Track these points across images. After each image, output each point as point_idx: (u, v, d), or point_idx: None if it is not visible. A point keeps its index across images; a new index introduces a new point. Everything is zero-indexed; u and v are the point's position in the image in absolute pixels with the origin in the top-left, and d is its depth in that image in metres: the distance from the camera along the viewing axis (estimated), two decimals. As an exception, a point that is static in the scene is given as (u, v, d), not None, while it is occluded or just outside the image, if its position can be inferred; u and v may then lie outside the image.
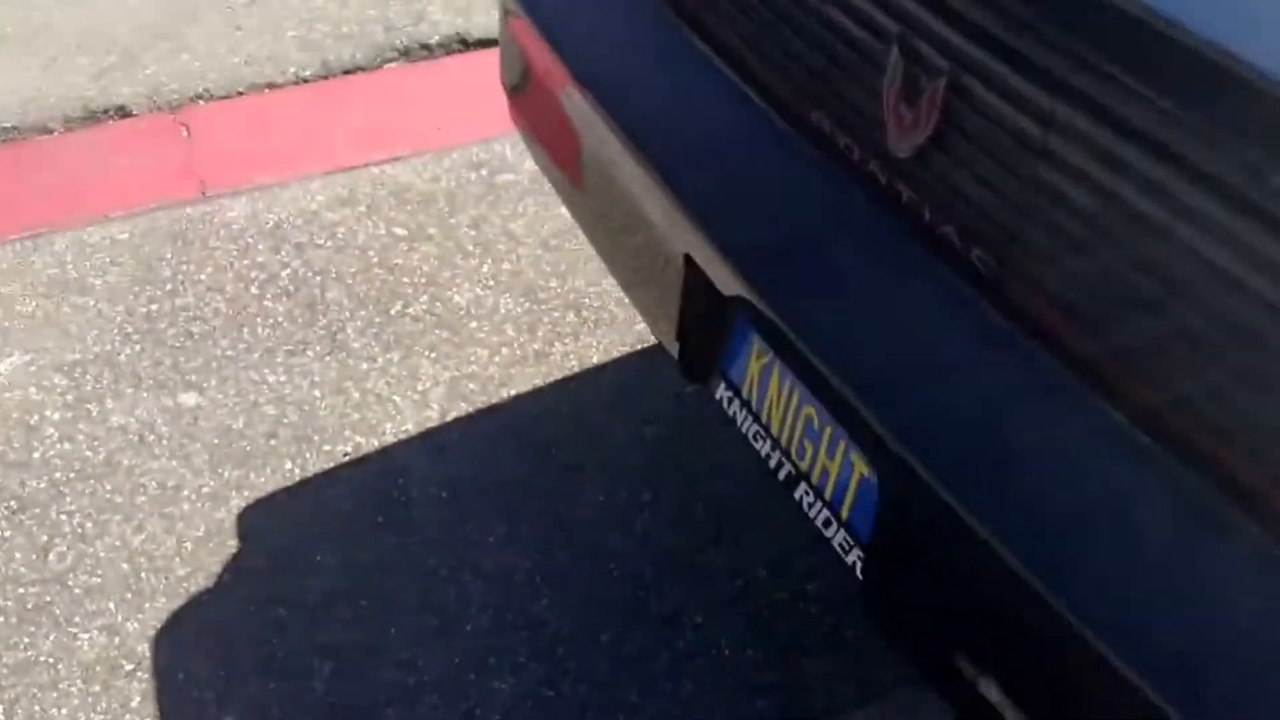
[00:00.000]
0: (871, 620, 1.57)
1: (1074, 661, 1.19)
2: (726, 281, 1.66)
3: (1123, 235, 1.23)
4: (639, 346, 2.85)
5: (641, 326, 2.87)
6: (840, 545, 1.58)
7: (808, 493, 1.65)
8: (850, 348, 1.50)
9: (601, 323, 2.94)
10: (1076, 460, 1.28)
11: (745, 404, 1.75)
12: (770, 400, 1.70)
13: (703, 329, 1.79)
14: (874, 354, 1.47)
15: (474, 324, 2.96)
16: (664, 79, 1.89)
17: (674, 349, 1.89)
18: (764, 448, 1.72)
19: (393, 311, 3.00)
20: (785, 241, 1.62)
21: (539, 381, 2.79)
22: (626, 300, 2.68)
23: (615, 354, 2.84)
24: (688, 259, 1.75)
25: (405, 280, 3.10)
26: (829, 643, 2.27)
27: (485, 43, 3.91)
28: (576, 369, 2.82)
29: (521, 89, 2.27)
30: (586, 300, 3.01)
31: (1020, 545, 1.24)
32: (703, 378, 1.84)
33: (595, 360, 2.84)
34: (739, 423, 1.76)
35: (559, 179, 2.22)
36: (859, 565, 1.54)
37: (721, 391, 1.80)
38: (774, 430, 1.69)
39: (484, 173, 3.45)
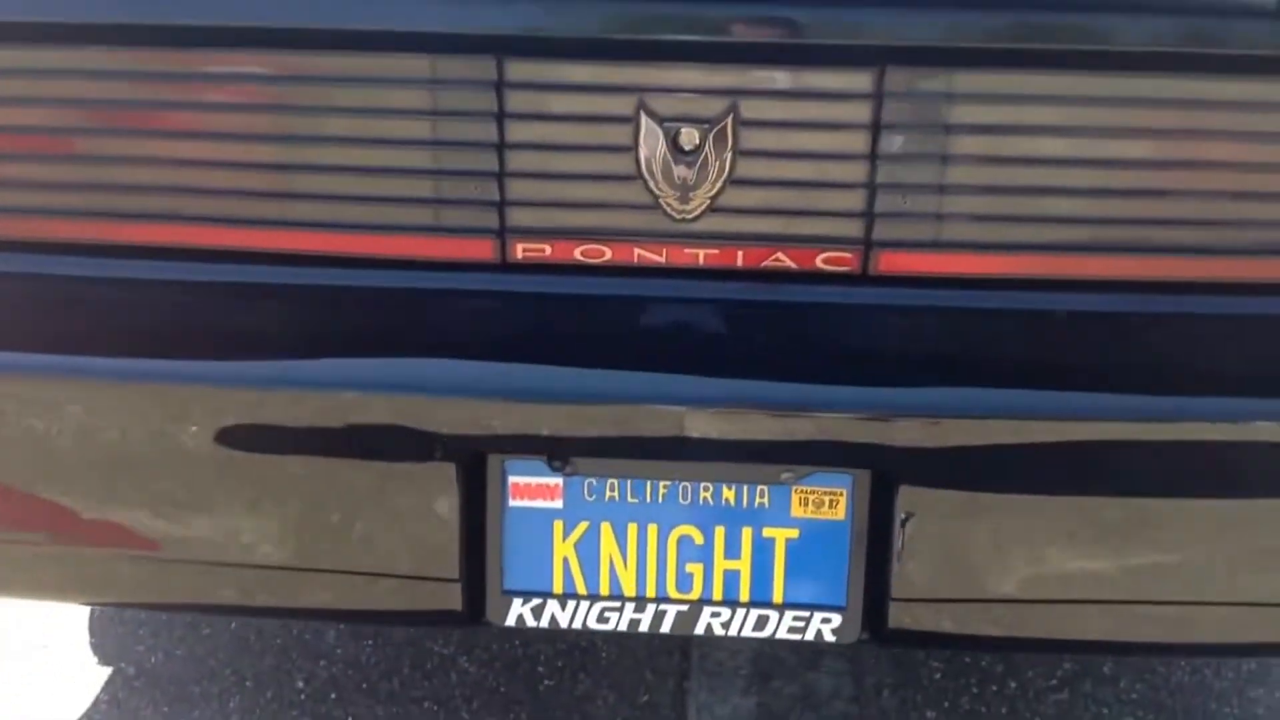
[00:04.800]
0: (897, 644, 1.63)
1: None
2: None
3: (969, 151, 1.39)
4: None
5: None
6: (793, 629, 1.46)
7: (716, 614, 1.47)
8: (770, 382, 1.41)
9: None
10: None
11: (566, 597, 1.48)
12: (610, 562, 1.46)
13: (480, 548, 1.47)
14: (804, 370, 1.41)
15: None
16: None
17: (448, 592, 1.49)
18: (620, 619, 1.49)
19: None
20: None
21: None
22: None
23: None
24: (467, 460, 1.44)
25: None
26: None
27: None
28: None
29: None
30: None
31: None
32: (482, 610, 1.50)
33: None
34: (561, 623, 1.49)
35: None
36: (840, 622, 1.46)
37: (518, 609, 1.49)
38: (630, 593, 1.47)
39: None
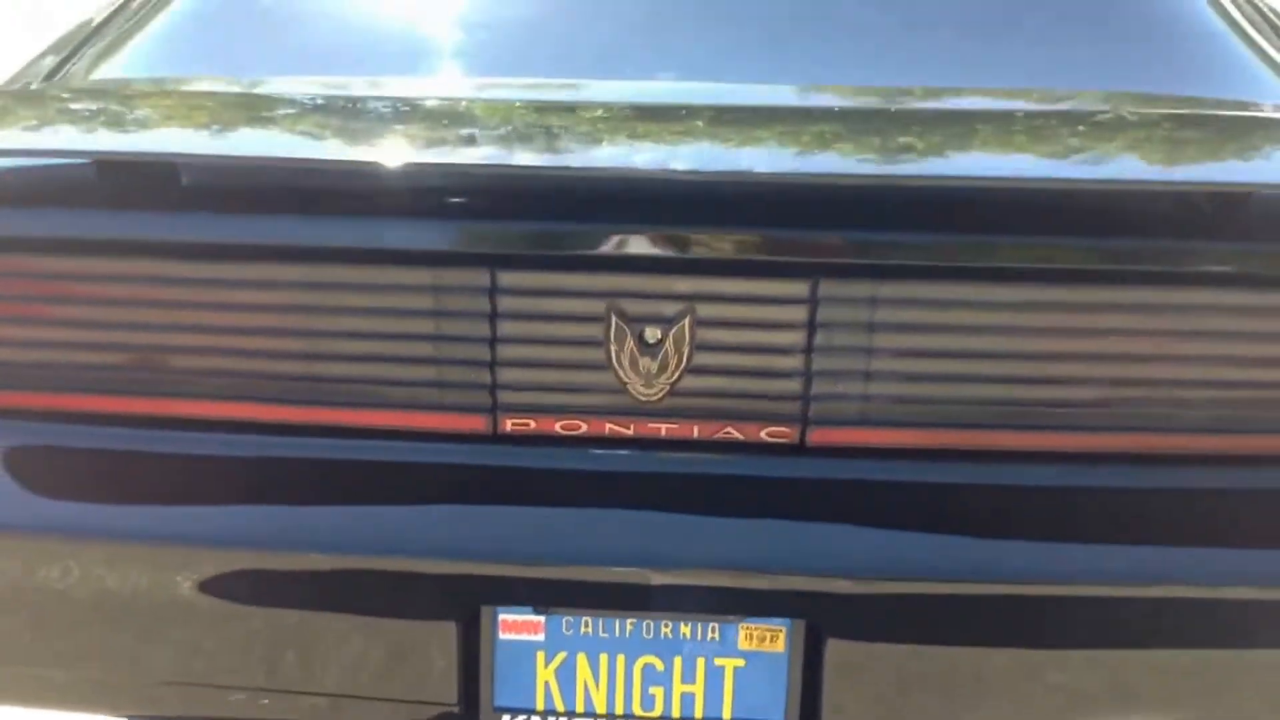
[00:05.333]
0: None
1: None
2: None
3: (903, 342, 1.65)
4: None
5: None
6: None
7: (674, 731, 1.75)
8: (722, 550, 1.65)
9: None
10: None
11: (547, 714, 1.73)
12: (584, 685, 1.71)
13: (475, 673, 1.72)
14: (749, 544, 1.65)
15: None
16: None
17: (448, 712, 1.76)
18: None
19: None
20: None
21: None
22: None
23: None
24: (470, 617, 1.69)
25: None
26: None
27: None
28: None
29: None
30: None
31: None
32: None
33: None
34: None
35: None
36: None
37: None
38: (602, 710, 1.72)
39: None
